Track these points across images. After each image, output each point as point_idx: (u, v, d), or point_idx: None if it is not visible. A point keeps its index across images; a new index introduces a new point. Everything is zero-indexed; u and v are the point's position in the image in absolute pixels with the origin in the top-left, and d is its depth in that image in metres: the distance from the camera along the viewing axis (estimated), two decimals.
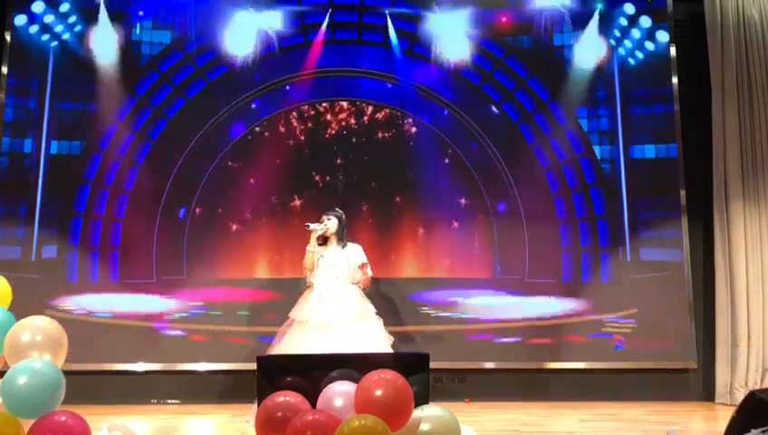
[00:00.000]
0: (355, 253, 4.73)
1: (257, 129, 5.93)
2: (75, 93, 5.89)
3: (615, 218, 5.87)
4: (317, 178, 5.87)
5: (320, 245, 4.71)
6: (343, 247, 4.72)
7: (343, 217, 4.79)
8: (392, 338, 4.60)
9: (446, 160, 5.93)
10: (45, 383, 2.81)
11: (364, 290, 4.72)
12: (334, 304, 4.53)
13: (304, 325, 4.51)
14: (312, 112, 5.98)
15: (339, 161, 5.91)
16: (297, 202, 5.81)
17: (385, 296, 5.69)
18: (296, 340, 4.49)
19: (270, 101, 5.97)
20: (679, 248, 5.79)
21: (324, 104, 5.99)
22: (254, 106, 5.95)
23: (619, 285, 5.76)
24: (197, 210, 5.78)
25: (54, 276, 5.61)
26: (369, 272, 4.74)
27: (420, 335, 5.65)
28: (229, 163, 5.88)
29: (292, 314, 4.65)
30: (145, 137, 5.88)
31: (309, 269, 4.67)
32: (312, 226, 4.66)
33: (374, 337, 4.46)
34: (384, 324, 4.63)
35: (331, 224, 4.70)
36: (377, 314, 4.65)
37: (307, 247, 4.66)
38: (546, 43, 6.08)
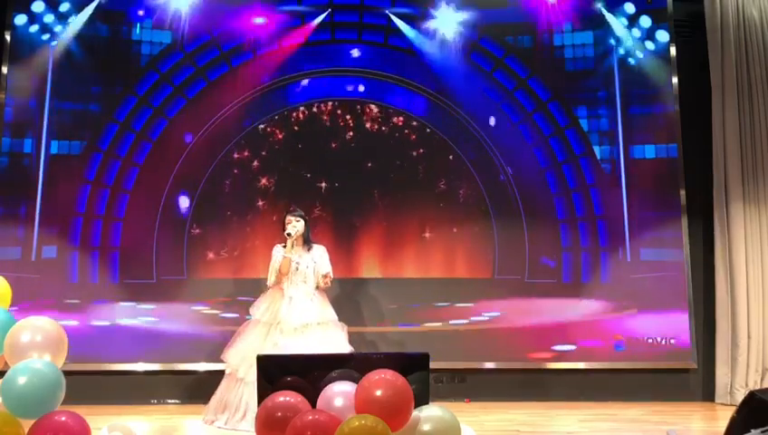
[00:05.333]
0: (320, 254, 4.73)
1: (258, 129, 5.92)
2: (75, 93, 5.90)
3: (615, 218, 5.86)
4: (318, 178, 5.86)
5: (284, 246, 4.69)
6: (309, 250, 4.73)
7: (306, 217, 4.78)
8: (352, 348, 4.59)
9: (446, 160, 5.93)
10: (45, 383, 2.81)
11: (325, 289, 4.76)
12: (306, 309, 4.55)
13: (273, 327, 4.53)
14: (313, 113, 5.98)
15: (339, 161, 5.91)
16: (298, 202, 5.80)
17: (384, 297, 5.70)
18: (261, 340, 4.49)
19: (270, 102, 5.97)
20: (679, 248, 5.79)
21: (324, 104, 5.99)
22: (253, 106, 5.95)
23: (619, 285, 5.76)
24: (198, 210, 5.78)
25: (54, 276, 5.62)
26: (329, 283, 4.72)
27: (420, 335, 5.64)
28: (229, 163, 5.88)
29: (257, 314, 4.65)
30: (145, 137, 5.88)
31: (285, 274, 4.64)
32: (293, 233, 4.64)
33: (337, 345, 4.48)
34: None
35: (299, 226, 4.69)
36: (339, 320, 4.68)
37: (284, 253, 4.63)
38: (546, 43, 6.08)
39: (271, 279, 4.70)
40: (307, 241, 4.75)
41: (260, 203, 5.83)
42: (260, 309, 4.67)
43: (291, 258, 4.62)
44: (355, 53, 6.01)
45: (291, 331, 4.48)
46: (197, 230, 5.76)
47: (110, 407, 5.10)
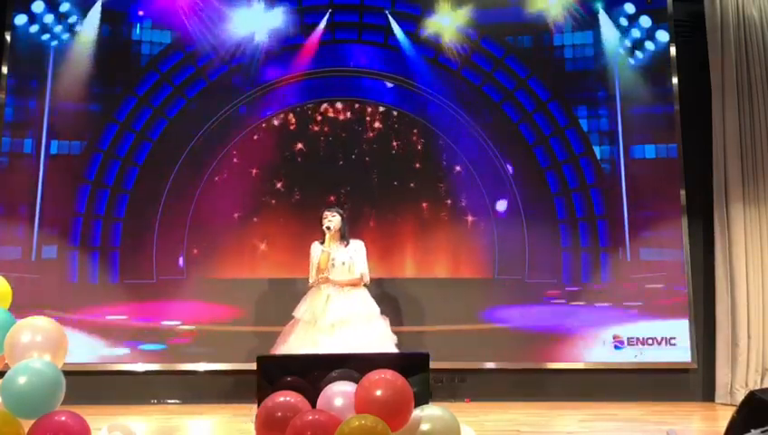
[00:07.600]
0: (356, 249, 4.73)
1: (258, 128, 5.93)
2: (75, 93, 5.90)
3: (615, 218, 5.86)
4: (317, 178, 5.86)
5: (321, 243, 4.71)
6: (346, 245, 4.73)
7: (344, 214, 4.80)
8: (396, 337, 4.61)
9: (446, 160, 5.93)
10: (45, 383, 2.81)
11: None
12: (343, 305, 4.55)
13: (312, 326, 4.53)
14: (313, 112, 5.98)
15: (339, 161, 5.91)
16: (298, 202, 5.81)
17: (386, 296, 5.69)
18: (301, 339, 4.52)
19: (270, 101, 5.97)
20: (679, 248, 5.78)
21: (325, 104, 5.99)
22: (254, 106, 5.95)
23: (619, 285, 5.76)
24: (199, 210, 5.78)
25: (54, 276, 5.62)
26: (366, 279, 4.72)
27: (420, 335, 5.64)
28: (230, 163, 5.87)
29: (298, 314, 4.67)
30: (145, 137, 5.88)
31: (324, 269, 4.64)
32: (331, 227, 4.64)
33: (380, 337, 4.51)
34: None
35: (335, 220, 4.71)
36: (382, 313, 4.68)
37: (322, 248, 4.65)
38: (546, 43, 6.08)
39: (312, 276, 4.70)
40: (344, 236, 4.75)
41: (260, 202, 5.83)
42: (300, 309, 4.69)
43: (329, 252, 4.62)
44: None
45: (327, 327, 4.48)
46: (198, 230, 5.75)
47: (110, 407, 5.10)
